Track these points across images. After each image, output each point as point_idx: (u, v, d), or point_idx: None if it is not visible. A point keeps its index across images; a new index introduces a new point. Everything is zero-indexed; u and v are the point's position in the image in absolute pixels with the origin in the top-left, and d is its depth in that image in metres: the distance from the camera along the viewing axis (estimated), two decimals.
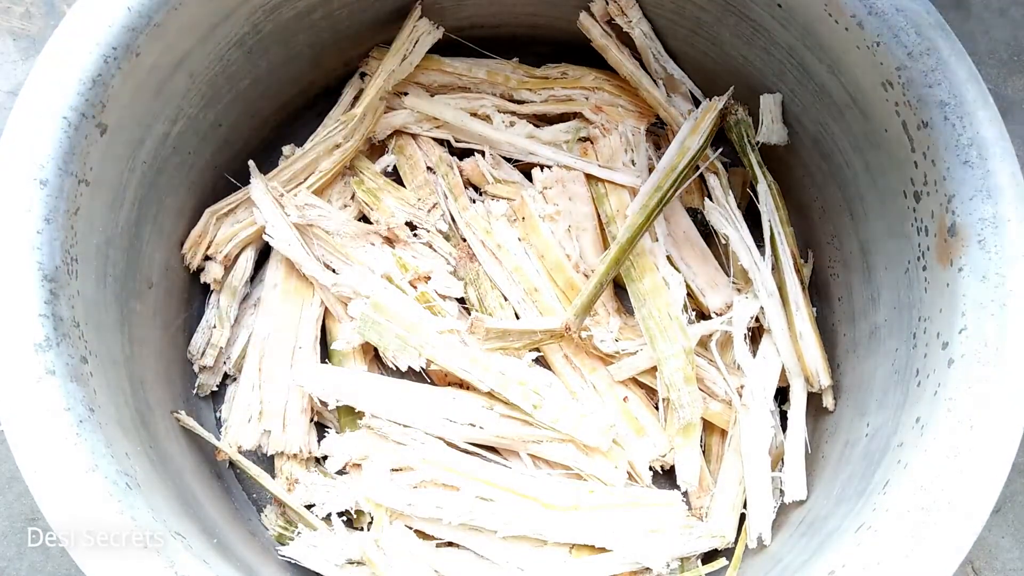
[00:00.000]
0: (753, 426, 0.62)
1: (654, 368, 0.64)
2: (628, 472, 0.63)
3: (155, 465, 0.51)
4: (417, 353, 0.62)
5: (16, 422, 0.44)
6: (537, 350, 0.65)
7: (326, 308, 0.68)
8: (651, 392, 0.66)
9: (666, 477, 0.66)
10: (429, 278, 0.67)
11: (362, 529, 0.63)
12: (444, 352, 0.62)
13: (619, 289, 0.69)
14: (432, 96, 0.71)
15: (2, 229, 0.46)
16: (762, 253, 0.64)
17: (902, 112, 0.51)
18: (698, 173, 0.66)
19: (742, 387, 0.64)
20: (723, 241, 0.66)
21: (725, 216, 0.65)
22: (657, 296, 0.63)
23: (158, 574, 0.44)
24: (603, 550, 0.60)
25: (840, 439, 0.60)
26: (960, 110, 0.49)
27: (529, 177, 0.70)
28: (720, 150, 0.67)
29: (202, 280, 0.67)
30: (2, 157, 0.46)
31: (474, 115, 0.71)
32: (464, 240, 0.69)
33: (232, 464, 0.66)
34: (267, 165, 0.68)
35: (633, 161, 0.68)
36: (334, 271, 0.66)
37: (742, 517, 0.62)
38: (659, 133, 0.72)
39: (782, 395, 0.67)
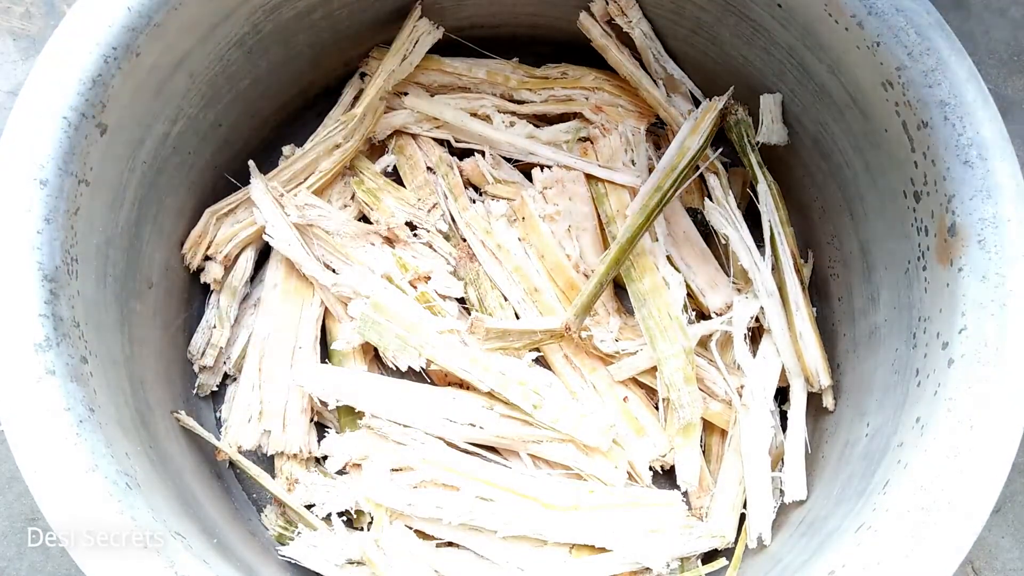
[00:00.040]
0: (753, 426, 0.62)
1: (654, 368, 0.64)
2: (628, 472, 0.63)
3: (155, 465, 0.51)
4: (417, 353, 0.62)
5: (16, 422, 0.44)
6: (537, 350, 0.65)
7: (326, 308, 0.67)
8: (651, 392, 0.66)
9: (666, 477, 0.66)
10: (429, 278, 0.67)
11: (362, 529, 0.63)
12: (444, 352, 0.62)
13: (619, 289, 0.69)
14: (432, 96, 0.71)
15: (2, 229, 0.46)
16: (762, 253, 0.64)
17: (902, 112, 0.51)
18: (698, 173, 0.66)
19: (742, 387, 0.64)
20: (723, 241, 0.66)
21: (725, 216, 0.65)
22: (657, 296, 0.63)
23: (158, 574, 0.44)
24: (603, 550, 0.60)
25: (840, 439, 0.60)
26: (960, 110, 0.49)
27: (529, 177, 0.70)
28: (720, 150, 0.67)
29: (202, 280, 0.67)
30: (2, 157, 0.46)
31: (474, 115, 0.71)
32: (464, 240, 0.69)
33: (232, 464, 0.66)
34: (267, 165, 0.68)
35: (633, 161, 0.68)
36: (334, 271, 0.66)
37: (742, 517, 0.62)
38: (659, 133, 0.72)
39: (782, 395, 0.67)
